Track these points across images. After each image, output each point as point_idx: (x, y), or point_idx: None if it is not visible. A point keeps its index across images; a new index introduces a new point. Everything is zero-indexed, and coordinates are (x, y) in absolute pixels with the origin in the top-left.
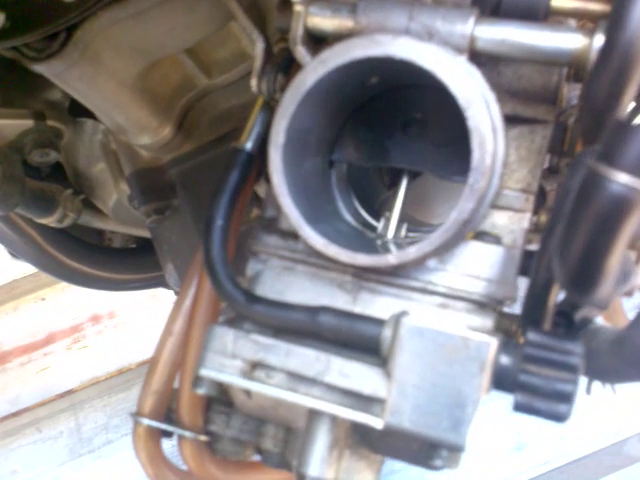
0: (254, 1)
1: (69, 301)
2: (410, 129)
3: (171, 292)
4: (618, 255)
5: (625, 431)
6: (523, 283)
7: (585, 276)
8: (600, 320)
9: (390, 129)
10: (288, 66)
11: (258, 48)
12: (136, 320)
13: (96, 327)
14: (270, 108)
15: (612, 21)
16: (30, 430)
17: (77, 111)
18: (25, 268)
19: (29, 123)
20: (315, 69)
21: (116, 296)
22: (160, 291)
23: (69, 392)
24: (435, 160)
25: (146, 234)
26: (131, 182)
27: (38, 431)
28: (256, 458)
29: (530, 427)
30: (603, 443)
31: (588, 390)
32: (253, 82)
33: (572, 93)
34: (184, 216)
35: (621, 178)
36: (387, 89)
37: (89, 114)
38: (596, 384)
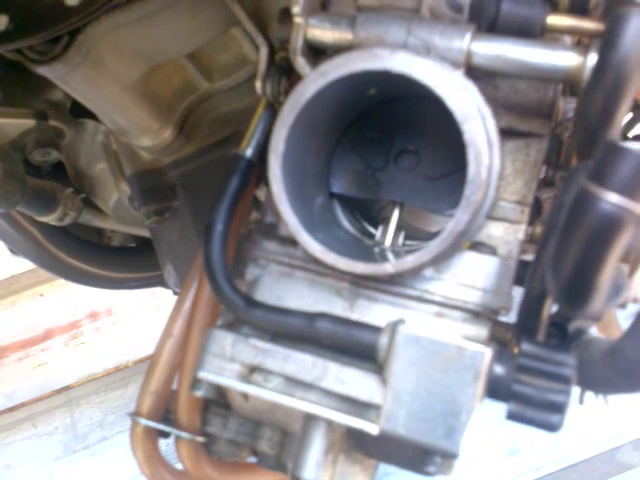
0: (257, 7)
1: (67, 298)
2: (402, 161)
3: (169, 291)
4: (609, 271)
5: (619, 438)
6: (518, 292)
7: (577, 291)
8: (594, 331)
9: (382, 160)
10: (291, 70)
11: (262, 52)
12: (134, 318)
13: (94, 324)
14: (273, 111)
15: (605, 40)
16: (26, 425)
17: (79, 111)
18: (24, 264)
19: (31, 122)
20: (315, 81)
21: (114, 294)
22: (158, 289)
23: (65, 388)
24: (426, 194)
25: (146, 234)
26: (132, 183)
27: (33, 426)
28: (252, 460)
29: (524, 432)
30: (596, 450)
31: (581, 400)
32: (258, 85)
33: (568, 106)
34: (184, 217)
35: (611, 198)
36: (384, 101)
37: (90, 115)
38: (589, 394)
